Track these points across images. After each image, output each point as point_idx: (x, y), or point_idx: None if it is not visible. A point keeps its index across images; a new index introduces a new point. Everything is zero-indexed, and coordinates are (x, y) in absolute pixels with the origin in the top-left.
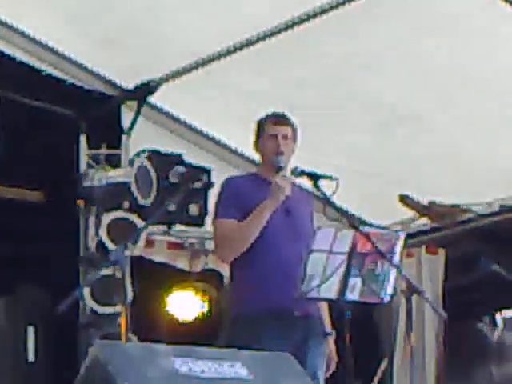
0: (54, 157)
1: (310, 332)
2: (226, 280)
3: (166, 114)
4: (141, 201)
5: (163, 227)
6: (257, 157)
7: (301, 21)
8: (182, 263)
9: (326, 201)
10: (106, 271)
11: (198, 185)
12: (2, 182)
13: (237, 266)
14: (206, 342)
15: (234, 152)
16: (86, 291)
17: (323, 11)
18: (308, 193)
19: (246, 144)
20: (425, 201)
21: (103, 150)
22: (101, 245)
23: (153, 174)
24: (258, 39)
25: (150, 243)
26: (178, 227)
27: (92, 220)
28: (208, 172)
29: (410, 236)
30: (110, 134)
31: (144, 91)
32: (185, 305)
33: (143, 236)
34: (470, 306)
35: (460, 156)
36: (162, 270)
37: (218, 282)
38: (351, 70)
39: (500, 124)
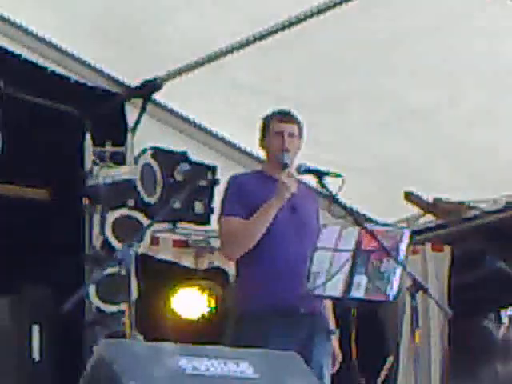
0: (59, 155)
1: (316, 329)
2: (232, 278)
3: (171, 111)
4: (146, 199)
5: (168, 225)
6: (262, 154)
7: (305, 18)
8: (187, 261)
9: (332, 198)
10: (111, 269)
11: (203, 182)
12: (6, 180)
13: (243, 264)
14: (212, 340)
15: (239, 149)
16: (92, 289)
17: (322, 10)
18: (313, 190)
19: (250, 141)
20: (430, 198)
21: (108, 148)
22: (106, 243)
23: (158, 171)
24: (263, 36)
25: (155, 241)
26: (184, 225)
27: (97, 218)
28: (213, 169)
29: (415, 233)
30: (114, 131)
31: (149, 89)
32: (190, 303)
33: (148, 234)
34: (475, 303)
35: (465, 153)
36: (167, 268)
37: (224, 279)
38: (354, 67)
39: (505, 121)
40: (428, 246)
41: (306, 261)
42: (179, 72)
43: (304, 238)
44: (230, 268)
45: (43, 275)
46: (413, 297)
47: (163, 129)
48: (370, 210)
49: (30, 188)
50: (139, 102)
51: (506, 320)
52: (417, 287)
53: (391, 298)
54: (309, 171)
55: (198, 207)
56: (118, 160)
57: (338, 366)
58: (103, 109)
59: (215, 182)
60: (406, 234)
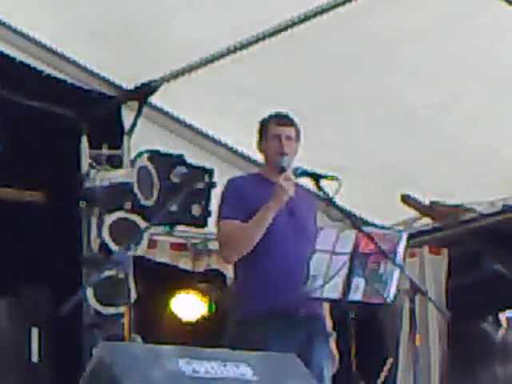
0: (56, 157)
1: (315, 332)
2: (229, 280)
3: (167, 114)
4: (143, 201)
5: (166, 228)
6: (258, 157)
7: (301, 20)
8: (184, 264)
9: (329, 201)
10: (109, 272)
11: (200, 185)
12: (3, 183)
13: (241, 267)
14: (210, 342)
15: (236, 152)
16: (90, 292)
17: (324, 10)
18: (311, 193)
19: (248, 144)
20: (427, 200)
21: (104, 151)
22: (103, 246)
23: (154, 174)
24: (259, 39)
25: (152, 244)
26: (181, 228)
27: (94, 221)
28: (210, 172)
29: (412, 236)
30: (111, 134)
31: (145, 91)
32: (188, 305)
33: (146, 236)
34: (473, 306)
35: (462, 155)
36: (165, 271)
37: (221, 282)
38: (353, 68)
39: (503, 123)
40: (425, 248)
41: (305, 264)
42: (176, 75)
43: (302, 241)
44: (228, 270)
45: (41, 278)
46: (411, 299)
47: (160, 132)
48: (367, 213)
49: (27, 191)
50: (136, 104)
51: (504, 322)
52: (415, 290)
53: (389, 301)
54: (306, 174)
55: (195, 210)
56: (115, 163)
57: (336, 367)
58: (99, 112)
59: (212, 185)
60: (404, 236)
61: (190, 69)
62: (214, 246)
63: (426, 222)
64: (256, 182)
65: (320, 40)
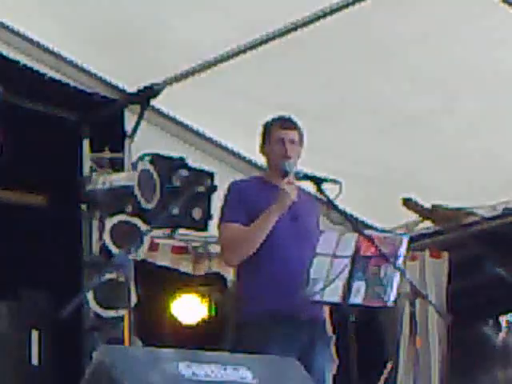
0: (57, 161)
1: (317, 335)
2: (230, 283)
3: (169, 117)
4: (144, 204)
5: (167, 231)
6: (260, 160)
7: (304, 23)
8: (185, 267)
9: (330, 204)
10: (109, 275)
11: (201, 188)
12: (5, 185)
13: (243, 270)
14: (210, 345)
15: (237, 156)
16: (90, 295)
17: (327, 14)
18: (313, 197)
19: (249, 148)
20: (428, 204)
21: (106, 154)
22: (104, 249)
23: (156, 177)
24: (261, 43)
25: (153, 247)
26: (182, 231)
27: (95, 224)
28: (211, 176)
29: (413, 239)
30: (112, 137)
31: (147, 95)
32: (189, 308)
33: (147, 240)
34: (474, 309)
35: (464, 159)
36: (166, 274)
37: (222, 285)
38: (354, 73)
39: (505, 127)
40: (426, 252)
41: (307, 267)
42: (178, 78)
43: (304, 245)
44: (229, 274)
45: (42, 280)
46: (411, 303)
47: (161, 135)
48: (368, 216)
49: (28, 194)
50: (137, 108)
51: (504, 326)
52: (415, 293)
53: (389, 304)
54: (307, 177)
55: (196, 213)
56: (117, 166)
57: (335, 370)
58: (101, 115)
59: (213, 188)
60: (405, 240)
61: (192, 72)
62: (214, 249)
63: (427, 225)
64: (259, 186)
65: (323, 43)
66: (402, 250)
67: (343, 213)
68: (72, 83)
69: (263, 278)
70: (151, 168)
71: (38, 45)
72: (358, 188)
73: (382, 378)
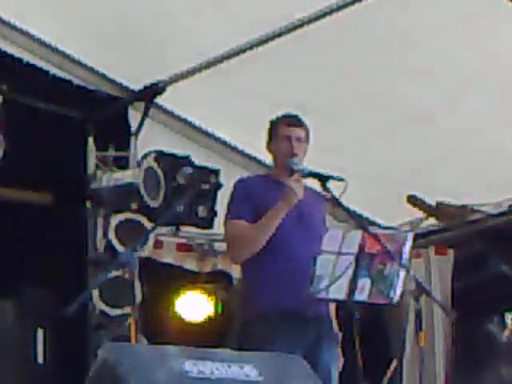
0: (62, 159)
1: (323, 332)
2: (235, 281)
3: (174, 115)
4: (149, 202)
5: (172, 228)
6: (265, 158)
7: (308, 21)
8: (190, 264)
9: (335, 202)
10: (114, 273)
11: (206, 186)
12: (9, 184)
13: (249, 267)
14: (216, 343)
15: (242, 153)
16: (95, 293)
17: (329, 12)
18: (319, 194)
19: (253, 145)
20: (433, 201)
21: (111, 152)
22: (109, 246)
23: (161, 175)
24: (266, 40)
25: (158, 244)
26: (187, 228)
27: (100, 221)
28: (216, 173)
29: (418, 236)
30: (117, 135)
31: (151, 92)
32: (194, 306)
33: (152, 237)
34: (479, 306)
35: (469, 156)
36: (171, 272)
37: (227, 283)
38: (358, 71)
39: (509, 123)
40: (431, 249)
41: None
42: (182, 76)
43: (311, 243)
44: (234, 271)
45: (47, 279)
46: (416, 300)
47: (166, 132)
48: (373, 214)
49: (33, 192)
50: (142, 105)
51: (509, 323)
52: (420, 291)
53: (394, 302)
54: (312, 175)
55: (201, 211)
56: (121, 164)
57: (340, 368)
58: (106, 113)
59: (218, 186)
60: (410, 237)
61: (197, 70)
62: (219, 246)
63: (432, 222)
64: (265, 183)
65: (328, 41)
66: (407, 248)
67: (348, 210)
68: (76, 81)
69: (269, 276)
70: (156, 166)
71: (42, 43)
72: (362, 185)
73: (387, 375)
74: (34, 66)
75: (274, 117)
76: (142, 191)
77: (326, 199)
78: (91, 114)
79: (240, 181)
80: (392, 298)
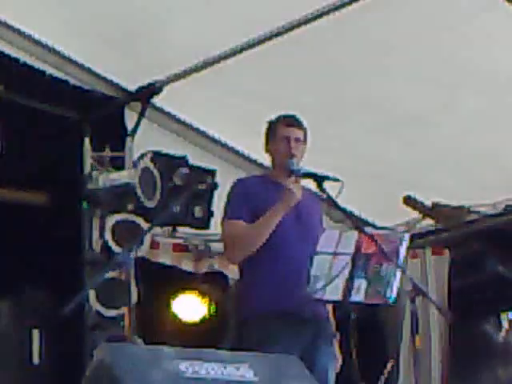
0: (58, 159)
1: (320, 333)
2: (231, 282)
3: (170, 115)
4: (145, 203)
5: (168, 229)
6: (261, 158)
7: (305, 22)
8: (186, 265)
9: (331, 202)
10: (111, 273)
11: (202, 186)
12: (5, 184)
13: (246, 267)
14: (211, 343)
15: (238, 154)
16: (91, 293)
17: (326, 13)
18: (315, 195)
19: (250, 146)
20: (429, 202)
21: (107, 152)
22: (105, 247)
23: (157, 175)
24: (263, 40)
25: (154, 245)
26: (183, 229)
27: (96, 222)
28: (212, 173)
29: (414, 237)
30: (113, 135)
31: (148, 93)
32: (190, 307)
33: (148, 238)
34: (475, 307)
35: (466, 156)
36: (167, 272)
37: (223, 283)
38: (355, 71)
39: (505, 124)
40: (428, 249)
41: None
42: (178, 76)
43: (308, 243)
44: (230, 272)
45: (43, 279)
46: (412, 301)
47: (162, 133)
48: (369, 214)
49: (29, 192)
50: (138, 106)
51: (506, 324)
52: (416, 291)
53: (391, 302)
54: (308, 175)
55: (198, 211)
56: (118, 164)
57: (338, 368)
58: (102, 113)
59: (214, 186)
60: (406, 237)
61: (193, 70)
62: (215, 247)
63: (428, 223)
64: (263, 184)
65: (325, 42)
66: (403, 248)
67: (344, 211)
68: (73, 81)
69: (266, 276)
70: (152, 166)
71: (38, 43)
72: (358, 186)
73: (383, 376)
74: (30, 66)
75: (272, 117)
76: (139, 192)
77: (322, 199)
78: (87, 115)
79: (238, 181)
80: (388, 298)
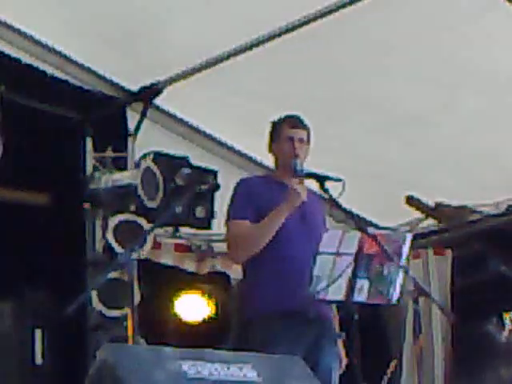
0: (60, 160)
1: (324, 333)
2: (234, 282)
3: (172, 116)
4: (147, 203)
5: (170, 229)
6: (263, 158)
7: (306, 22)
8: (189, 265)
9: (333, 202)
10: (113, 274)
11: (204, 187)
12: (7, 185)
13: (250, 267)
14: (214, 344)
15: (240, 154)
16: (94, 294)
17: (327, 13)
18: (318, 195)
19: (251, 146)
20: (432, 202)
21: (109, 153)
22: (108, 247)
23: (159, 176)
24: (264, 40)
25: (156, 245)
26: (185, 229)
27: (99, 223)
28: (214, 174)
29: (417, 237)
30: (115, 136)
31: (150, 93)
32: (192, 307)
33: (150, 238)
34: (477, 307)
35: (467, 156)
36: (169, 273)
37: (226, 283)
38: (356, 71)
39: (505, 124)
40: (430, 249)
41: None
42: (180, 77)
43: (312, 244)
44: (232, 272)
45: (45, 280)
46: (415, 301)
47: (164, 133)
48: (371, 215)
49: (31, 193)
50: (140, 106)
51: (508, 323)
52: (419, 291)
53: (393, 302)
54: (310, 175)
55: (200, 211)
56: (120, 165)
57: (343, 368)
58: (104, 113)
59: (216, 187)
60: (408, 237)
61: (195, 70)
62: (218, 247)
63: (430, 223)
64: (267, 184)
65: (325, 42)
66: (406, 248)
67: (346, 211)
68: (74, 82)
69: (270, 276)
70: (154, 167)
71: (39, 43)
72: (360, 186)
73: (386, 376)
74: (31, 67)
75: (275, 118)
76: (141, 192)
77: (324, 200)
78: (89, 115)
79: (242, 181)
80: (391, 298)
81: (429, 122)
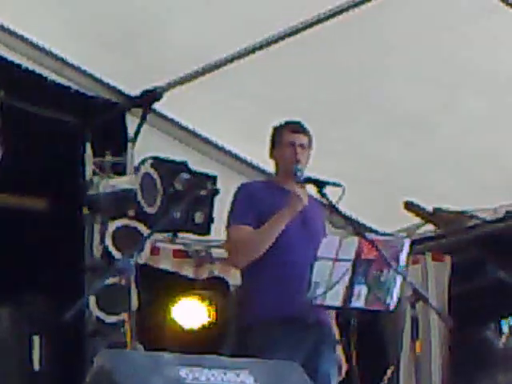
0: (59, 165)
1: (323, 339)
2: (232, 287)
3: (171, 121)
4: (146, 208)
5: (168, 235)
6: (263, 164)
7: (307, 26)
8: (187, 271)
9: (332, 208)
10: (111, 280)
11: (203, 192)
12: (6, 190)
13: (250, 273)
14: (212, 350)
15: (239, 159)
16: (92, 300)
17: (329, 16)
18: (318, 201)
19: (251, 151)
20: (430, 207)
21: (108, 158)
22: (106, 253)
23: (158, 181)
24: (264, 45)
25: (155, 251)
26: (184, 235)
27: (97, 228)
28: (213, 179)
29: (415, 243)
30: (114, 141)
31: (149, 98)
32: (190, 313)
33: (148, 244)
34: (475, 313)
35: (467, 156)
36: (168, 278)
37: (224, 289)
38: (356, 74)
39: (505, 124)
40: (428, 255)
41: None
42: (179, 82)
43: (312, 249)
44: (231, 278)
45: (43, 285)
46: (413, 306)
47: (163, 138)
48: (370, 220)
49: (30, 198)
50: (140, 111)
51: (506, 330)
52: (417, 297)
53: (391, 308)
54: (309, 180)
55: (199, 217)
56: (119, 170)
57: (343, 374)
58: (103, 118)
59: (215, 192)
60: (407, 243)
61: (195, 75)
62: (216, 253)
63: (429, 228)
64: (268, 189)
65: (327, 45)
66: (404, 254)
67: (345, 216)
68: (74, 87)
69: (270, 282)
70: (153, 172)
71: (39, 48)
72: (359, 191)
73: (384, 382)
74: (31, 72)
75: (277, 123)
76: (139, 197)
77: (323, 205)
78: (88, 120)
79: (242, 185)
80: (389, 304)
81: (428, 122)
